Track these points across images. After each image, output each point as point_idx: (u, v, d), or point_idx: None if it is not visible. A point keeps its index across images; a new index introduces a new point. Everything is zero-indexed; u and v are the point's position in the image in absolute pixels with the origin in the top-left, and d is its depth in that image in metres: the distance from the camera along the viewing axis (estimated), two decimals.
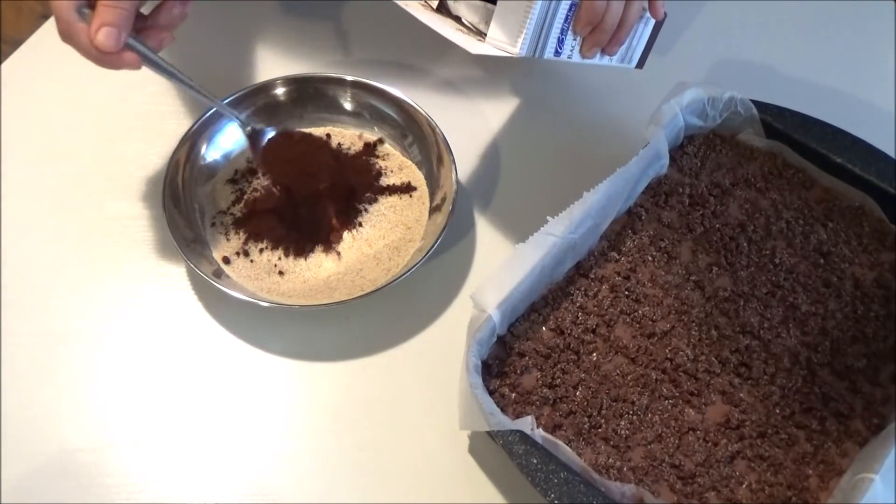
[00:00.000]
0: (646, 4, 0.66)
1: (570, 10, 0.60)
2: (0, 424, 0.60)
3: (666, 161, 0.66)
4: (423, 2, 0.64)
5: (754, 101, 0.68)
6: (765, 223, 0.66)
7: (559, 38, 0.61)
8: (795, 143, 0.67)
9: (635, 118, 0.69)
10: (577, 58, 0.64)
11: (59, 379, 0.62)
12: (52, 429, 0.60)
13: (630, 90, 0.73)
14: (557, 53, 0.62)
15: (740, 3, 0.87)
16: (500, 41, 0.59)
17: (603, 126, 0.77)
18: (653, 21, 0.67)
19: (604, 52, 0.65)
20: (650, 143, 0.64)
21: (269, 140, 0.67)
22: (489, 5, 0.59)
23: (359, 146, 0.74)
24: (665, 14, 0.67)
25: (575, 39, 0.63)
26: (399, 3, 0.62)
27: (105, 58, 0.55)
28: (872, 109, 0.79)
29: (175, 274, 0.68)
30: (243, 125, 0.66)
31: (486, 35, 0.59)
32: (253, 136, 0.67)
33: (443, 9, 0.63)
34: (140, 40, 0.57)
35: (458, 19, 0.62)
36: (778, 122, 0.68)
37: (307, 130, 0.75)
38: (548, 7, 0.58)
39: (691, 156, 0.69)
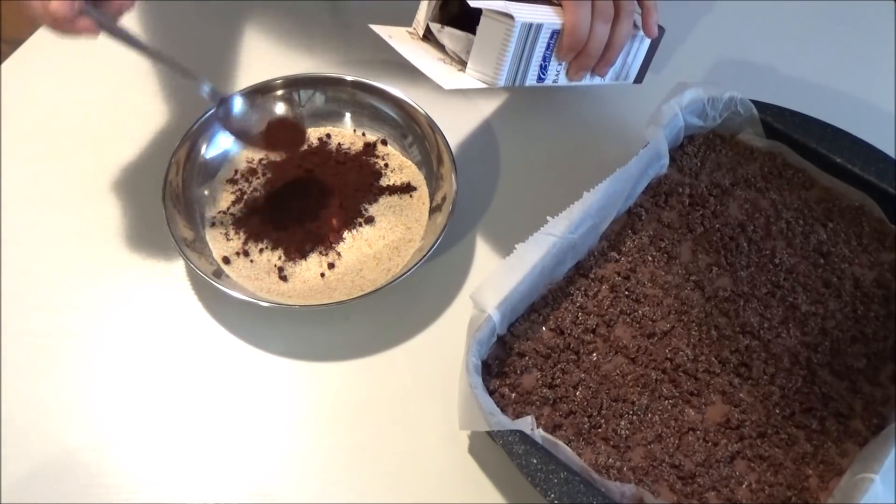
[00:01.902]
0: (639, 23, 0.66)
1: (551, 37, 0.60)
2: (0, 424, 0.60)
3: (666, 161, 0.66)
4: (410, 29, 0.64)
5: (754, 101, 0.68)
6: (765, 223, 0.66)
7: (541, 64, 0.61)
8: (795, 143, 0.67)
9: (635, 118, 0.69)
10: (563, 81, 0.64)
11: (59, 379, 0.62)
12: (52, 429, 0.60)
13: (630, 90, 0.73)
14: (541, 79, 0.62)
15: (740, 3, 0.87)
16: (479, 70, 0.59)
17: (603, 126, 0.77)
18: (648, 38, 0.67)
19: (594, 73, 0.65)
20: (650, 143, 0.64)
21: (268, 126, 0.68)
22: (470, 35, 0.59)
23: (359, 146, 0.74)
24: (663, 30, 0.67)
25: (560, 64, 0.63)
26: (382, 35, 0.62)
27: (60, 24, 0.56)
28: (872, 109, 0.79)
29: (175, 274, 0.68)
30: (213, 94, 0.65)
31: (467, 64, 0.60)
32: (223, 106, 0.66)
33: (430, 36, 0.63)
34: (97, 9, 0.57)
35: (443, 48, 0.62)
36: (778, 122, 0.68)
37: (308, 130, 0.75)
38: (527, 35, 0.58)
39: (691, 156, 0.69)
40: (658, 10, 0.66)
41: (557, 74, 0.64)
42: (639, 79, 0.71)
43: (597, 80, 0.67)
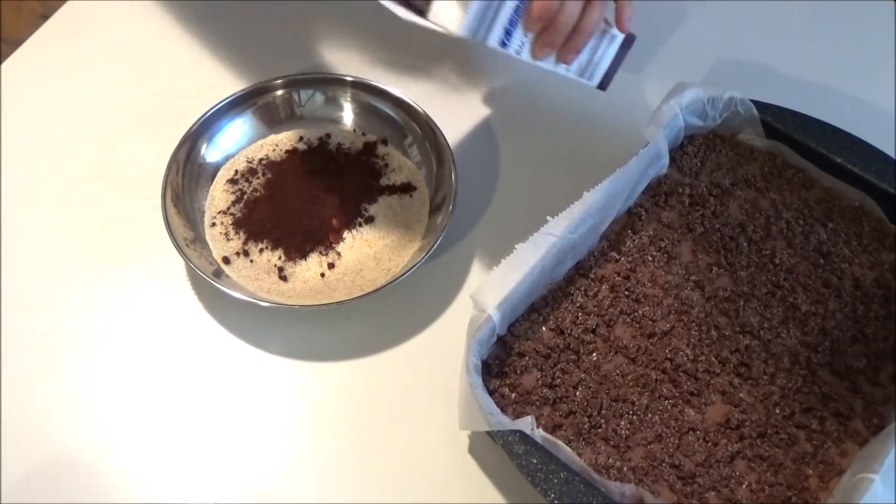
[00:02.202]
0: (611, 18, 0.64)
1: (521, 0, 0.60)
2: (0, 424, 0.60)
3: (666, 161, 0.66)
4: None
5: (754, 101, 0.68)
6: (765, 223, 0.66)
7: (506, 28, 0.60)
8: (795, 143, 0.67)
9: (635, 118, 0.69)
10: (527, 56, 0.63)
11: (59, 379, 0.62)
12: (52, 429, 0.60)
13: (630, 90, 0.73)
14: (504, 44, 0.61)
15: (740, 3, 0.87)
16: (441, 17, 0.59)
17: (603, 126, 0.77)
18: (619, 39, 0.66)
19: (560, 59, 0.64)
20: (650, 143, 0.64)
21: None
22: None
23: (359, 146, 0.74)
24: (633, 37, 0.66)
25: (526, 36, 0.62)
26: None
27: None
28: (872, 109, 0.79)
29: (175, 274, 0.68)
30: None
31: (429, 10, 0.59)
32: None
33: None
34: None
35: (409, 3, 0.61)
36: (778, 122, 0.68)
37: (306, 130, 0.75)
38: None
39: (691, 156, 0.69)
40: (632, 10, 0.65)
41: (521, 46, 0.63)
42: (603, 84, 0.69)
43: (561, 69, 0.65)
